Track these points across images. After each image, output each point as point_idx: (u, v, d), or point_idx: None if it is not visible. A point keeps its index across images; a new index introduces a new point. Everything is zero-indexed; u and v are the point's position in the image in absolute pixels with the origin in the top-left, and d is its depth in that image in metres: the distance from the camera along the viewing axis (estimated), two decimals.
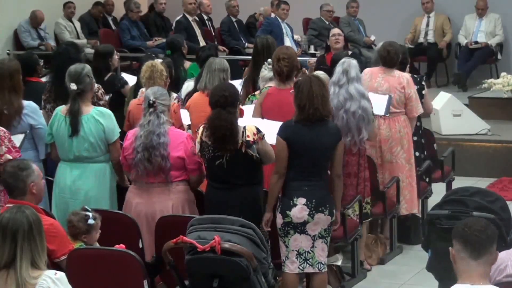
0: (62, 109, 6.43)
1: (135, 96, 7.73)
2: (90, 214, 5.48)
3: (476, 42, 13.53)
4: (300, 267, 6.06)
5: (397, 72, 7.71)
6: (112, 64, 8.79)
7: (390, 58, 7.67)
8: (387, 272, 7.44)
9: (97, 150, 6.36)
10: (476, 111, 11.11)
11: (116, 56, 8.99)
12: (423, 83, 8.21)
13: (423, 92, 8.03)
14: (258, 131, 5.92)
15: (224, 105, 5.87)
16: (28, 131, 6.62)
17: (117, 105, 8.07)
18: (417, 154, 7.91)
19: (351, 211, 6.87)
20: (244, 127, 5.90)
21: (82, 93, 6.33)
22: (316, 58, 10.99)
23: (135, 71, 9.56)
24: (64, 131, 6.34)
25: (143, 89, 7.27)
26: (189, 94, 8.03)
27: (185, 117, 7.46)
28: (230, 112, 5.88)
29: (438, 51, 13.80)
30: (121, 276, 5.28)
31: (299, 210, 5.93)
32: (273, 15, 13.68)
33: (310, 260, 6.04)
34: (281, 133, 6.00)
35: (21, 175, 5.13)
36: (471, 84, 13.03)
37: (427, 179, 8.24)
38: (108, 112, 6.45)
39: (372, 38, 13.55)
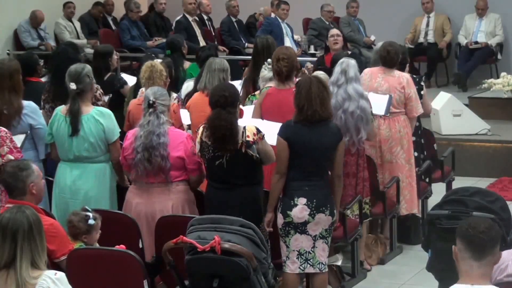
0: (62, 109, 6.43)
1: (134, 96, 7.72)
2: (90, 214, 5.47)
3: (476, 42, 13.53)
4: (301, 267, 6.06)
5: (397, 72, 7.71)
6: (112, 64, 8.80)
7: (390, 58, 7.67)
8: (387, 272, 7.44)
9: (97, 150, 6.36)
10: (476, 111, 11.11)
11: (115, 56, 9.00)
12: (422, 83, 8.20)
13: (422, 92, 8.03)
14: (258, 131, 5.92)
15: (224, 105, 5.87)
16: (28, 131, 6.62)
17: (117, 105, 8.08)
18: (416, 154, 7.91)
19: (350, 212, 6.87)
20: (244, 127, 5.90)
21: (81, 93, 6.33)
22: (314, 61, 10.97)
23: (135, 71, 9.56)
24: (64, 131, 6.34)
25: (143, 89, 7.27)
26: (189, 94, 8.03)
27: (185, 117, 7.46)
28: (230, 112, 5.87)
29: (438, 51, 13.79)
30: (121, 276, 5.28)
31: (299, 210, 5.93)
32: (273, 15, 13.68)
33: (311, 260, 6.04)
34: (282, 133, 6.00)
35: (21, 175, 5.13)
36: (471, 84, 13.04)
37: (427, 179, 8.24)
38: (108, 112, 6.45)
39: (372, 38, 13.55)
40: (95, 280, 5.29)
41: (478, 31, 13.61)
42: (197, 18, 13.75)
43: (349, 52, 10.45)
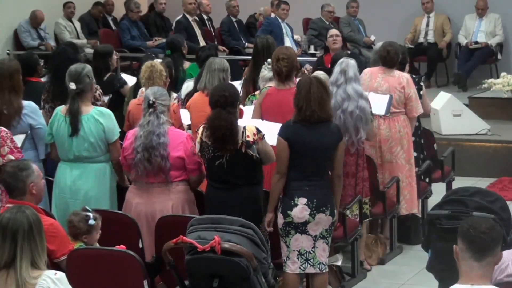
0: (62, 109, 6.43)
1: (134, 96, 7.72)
2: (90, 214, 5.47)
3: (476, 42, 13.52)
4: (301, 267, 6.06)
5: (397, 72, 7.71)
6: (112, 64, 8.80)
7: (390, 58, 7.67)
8: (387, 272, 7.44)
9: (97, 150, 6.36)
10: (476, 111, 11.11)
11: (115, 56, 9.00)
12: (421, 83, 8.21)
13: (421, 92, 8.02)
14: (258, 131, 5.92)
15: (224, 105, 5.87)
16: (28, 131, 6.62)
17: (117, 105, 8.08)
18: (415, 154, 7.90)
19: (349, 212, 6.87)
20: (244, 127, 5.89)
21: (81, 93, 6.33)
22: (313, 62, 10.97)
23: (135, 71, 9.56)
24: (64, 131, 6.34)
25: (143, 89, 7.27)
26: (189, 94, 8.03)
27: (185, 117, 7.46)
28: (230, 112, 5.87)
29: (438, 51, 13.79)
30: (121, 276, 5.28)
31: (300, 210, 5.93)
32: (273, 15, 13.68)
33: (311, 260, 6.04)
34: (282, 133, 6.00)
35: (21, 175, 5.13)
36: (471, 84, 13.04)
37: (427, 179, 8.24)
38: (108, 112, 6.45)
39: (372, 38, 13.55)
40: (95, 280, 5.29)
41: (478, 31, 13.61)
42: (197, 18, 13.75)
43: (349, 52, 10.44)
